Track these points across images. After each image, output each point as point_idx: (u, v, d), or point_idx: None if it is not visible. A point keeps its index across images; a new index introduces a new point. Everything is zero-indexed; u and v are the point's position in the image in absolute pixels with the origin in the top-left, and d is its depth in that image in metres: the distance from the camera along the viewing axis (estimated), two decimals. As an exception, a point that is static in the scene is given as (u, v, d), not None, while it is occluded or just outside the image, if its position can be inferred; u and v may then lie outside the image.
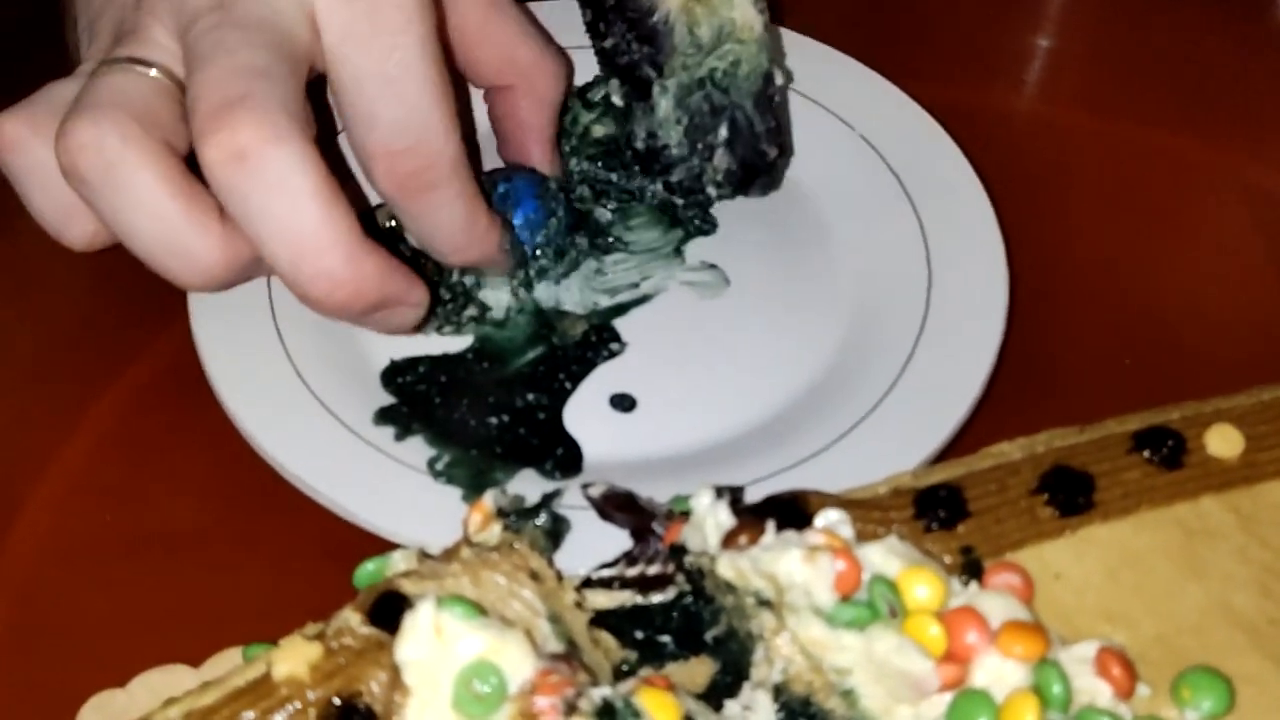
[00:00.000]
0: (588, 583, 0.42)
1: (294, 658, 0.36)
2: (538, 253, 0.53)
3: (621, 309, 0.53)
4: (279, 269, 0.43)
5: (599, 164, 0.55)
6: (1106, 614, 0.37)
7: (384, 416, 0.49)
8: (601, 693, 0.35)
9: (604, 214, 0.55)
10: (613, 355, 0.52)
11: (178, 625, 0.45)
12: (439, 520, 0.44)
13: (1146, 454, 0.40)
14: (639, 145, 0.52)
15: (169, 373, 0.52)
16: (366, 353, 0.51)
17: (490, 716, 0.35)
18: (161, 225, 0.43)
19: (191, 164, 0.44)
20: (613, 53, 0.51)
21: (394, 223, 0.52)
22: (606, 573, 0.42)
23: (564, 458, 0.49)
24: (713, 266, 0.55)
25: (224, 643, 0.44)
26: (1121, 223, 0.59)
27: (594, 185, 0.55)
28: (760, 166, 0.53)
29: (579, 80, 0.56)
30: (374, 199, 0.52)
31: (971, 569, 0.38)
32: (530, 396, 0.51)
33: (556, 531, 0.44)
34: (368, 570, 0.40)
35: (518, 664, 0.35)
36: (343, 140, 0.52)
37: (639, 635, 0.42)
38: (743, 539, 0.38)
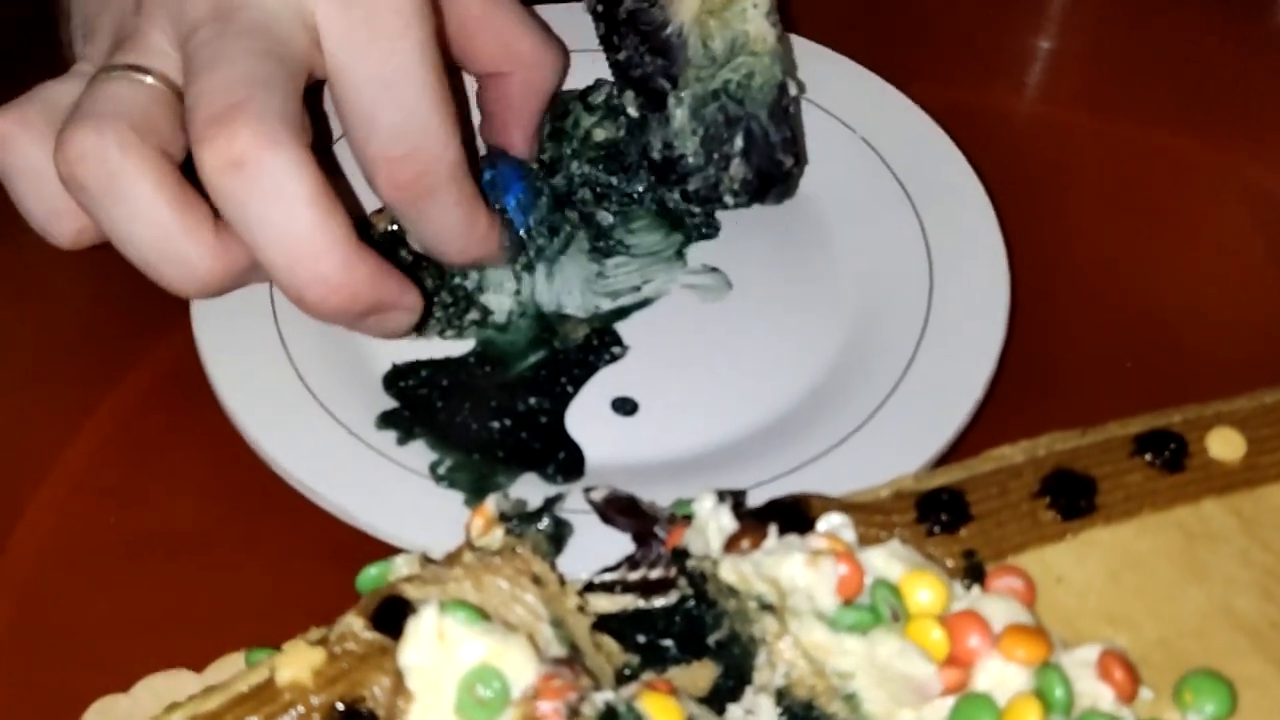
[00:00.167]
0: (590, 587, 0.42)
1: (297, 663, 0.36)
2: (532, 233, 0.53)
3: (623, 312, 0.53)
4: (275, 274, 0.43)
5: (600, 167, 0.55)
6: (1108, 617, 0.37)
7: (386, 420, 0.49)
8: (604, 697, 0.35)
9: (606, 217, 0.55)
10: (614, 359, 0.52)
11: (180, 629, 0.46)
12: (441, 524, 0.45)
13: (1148, 457, 0.40)
14: (655, 155, 0.53)
15: (171, 376, 0.52)
16: (369, 356, 0.51)
17: (493, 721, 0.35)
18: (158, 233, 0.44)
19: (188, 172, 0.44)
20: (626, 65, 0.52)
21: (394, 227, 0.52)
22: (609, 577, 0.42)
23: (566, 461, 0.49)
24: (714, 270, 0.55)
25: (227, 646, 0.44)
26: (1122, 224, 0.59)
27: (595, 189, 0.55)
28: (776, 176, 0.53)
29: (580, 83, 0.56)
30: (369, 205, 0.52)
31: (973, 572, 0.38)
32: (532, 400, 0.51)
33: (559, 536, 0.45)
34: (370, 575, 0.40)
35: (520, 669, 0.35)
36: (339, 147, 0.52)
37: (641, 639, 0.42)
38: (745, 543, 0.38)
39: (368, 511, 0.46)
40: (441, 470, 0.48)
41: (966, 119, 0.58)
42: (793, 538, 0.38)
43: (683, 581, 0.41)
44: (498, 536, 0.40)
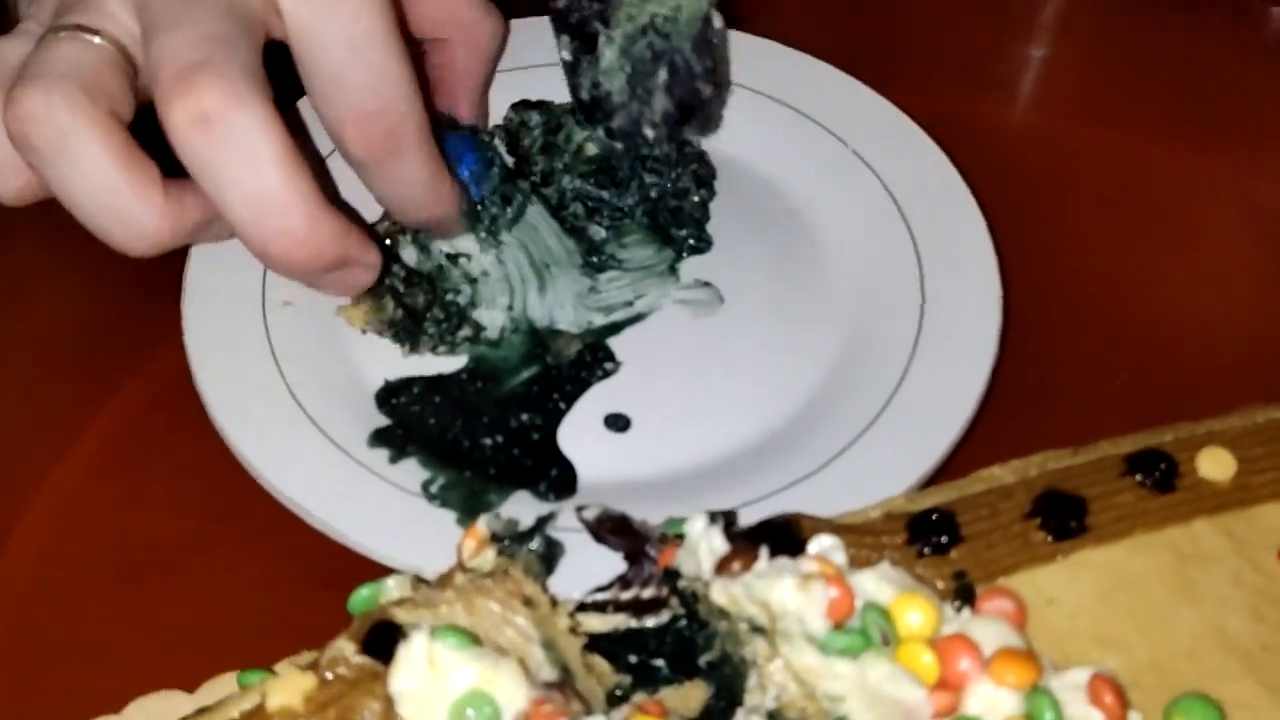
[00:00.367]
0: (582, 606, 0.42)
1: (288, 688, 0.36)
2: (486, 203, 0.53)
3: (616, 328, 0.53)
4: (240, 228, 0.44)
5: (592, 181, 0.55)
6: (1100, 639, 0.37)
7: (379, 438, 0.49)
8: (595, 721, 0.35)
9: (598, 232, 0.55)
10: (607, 375, 0.52)
11: (172, 649, 0.46)
12: (434, 543, 0.45)
13: (1139, 477, 0.40)
14: (584, 95, 0.54)
15: (162, 394, 0.52)
16: (361, 374, 0.51)
17: (484, 747, 0.35)
18: (107, 193, 0.44)
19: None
20: (565, 12, 0.53)
21: (388, 242, 0.52)
22: (601, 596, 0.42)
23: (558, 479, 0.49)
24: (707, 284, 0.55)
25: (219, 667, 0.44)
26: (1116, 235, 0.59)
27: (587, 203, 0.55)
28: (696, 105, 0.54)
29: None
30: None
31: (964, 594, 0.38)
32: (525, 417, 0.51)
33: (550, 556, 0.44)
34: (362, 596, 0.40)
35: (511, 694, 0.35)
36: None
37: (633, 659, 0.42)
38: (736, 565, 0.38)
39: (360, 531, 0.46)
40: (434, 489, 0.48)
41: (958, 130, 0.58)
42: (784, 560, 0.38)
43: (674, 601, 0.41)
44: (489, 557, 0.40)
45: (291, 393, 0.49)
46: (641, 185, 0.55)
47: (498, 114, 0.57)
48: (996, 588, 0.38)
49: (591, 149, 0.55)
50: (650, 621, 0.42)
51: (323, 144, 0.53)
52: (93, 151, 0.43)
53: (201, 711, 0.37)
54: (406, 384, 0.51)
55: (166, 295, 0.52)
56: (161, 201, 0.44)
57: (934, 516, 0.39)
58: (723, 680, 0.40)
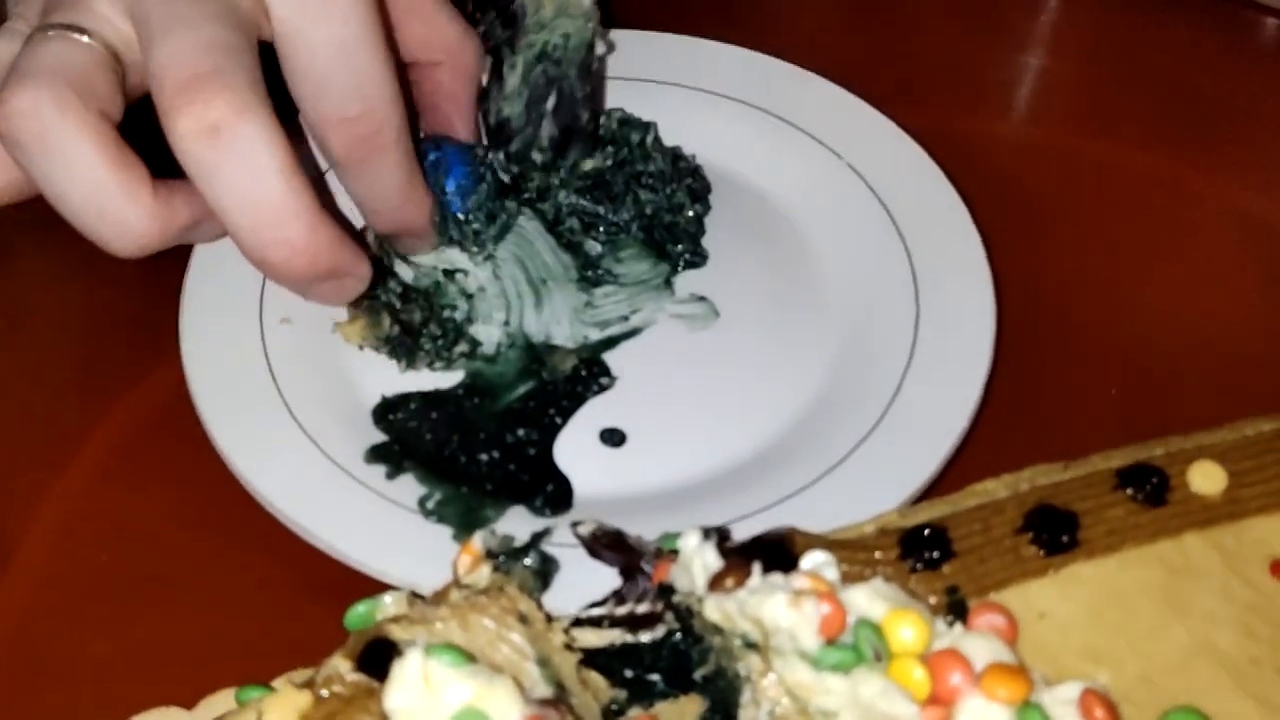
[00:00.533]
0: (578, 622, 0.42)
1: (284, 706, 0.36)
2: (470, 217, 0.53)
3: (611, 342, 0.54)
4: (239, 236, 0.44)
5: (588, 197, 0.55)
6: (1091, 653, 0.38)
7: (375, 454, 0.49)
8: (589, 737, 0.35)
9: (594, 246, 0.55)
10: (603, 389, 0.52)
11: (171, 665, 0.46)
12: (430, 559, 0.45)
13: (1130, 491, 0.40)
14: (490, 120, 0.55)
15: (160, 411, 0.52)
16: (358, 390, 0.51)
17: (479, 763, 0.35)
18: (96, 194, 0.44)
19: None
20: (484, 38, 0.54)
21: (385, 258, 0.53)
22: (596, 611, 0.42)
23: (554, 494, 0.49)
24: (702, 298, 0.55)
25: (217, 683, 0.44)
26: (1109, 249, 0.59)
27: (583, 218, 0.55)
28: (576, 130, 0.55)
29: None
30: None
31: (956, 609, 0.38)
32: (521, 432, 0.51)
33: (545, 571, 0.45)
34: (358, 613, 0.40)
35: (505, 711, 0.35)
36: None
37: (628, 674, 0.42)
38: (729, 582, 0.38)
39: (357, 547, 0.46)
40: (430, 504, 0.48)
41: (952, 143, 0.59)
42: (776, 576, 0.38)
43: (669, 616, 0.42)
44: (485, 574, 0.40)
45: (289, 409, 0.50)
46: (637, 200, 0.56)
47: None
48: (988, 603, 0.38)
49: (587, 164, 0.56)
50: (645, 636, 0.42)
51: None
52: (82, 151, 0.43)
53: (199, 728, 0.38)
54: (403, 400, 0.51)
55: (165, 311, 0.52)
56: (151, 202, 0.44)
57: (926, 532, 0.39)
58: (717, 695, 0.40)
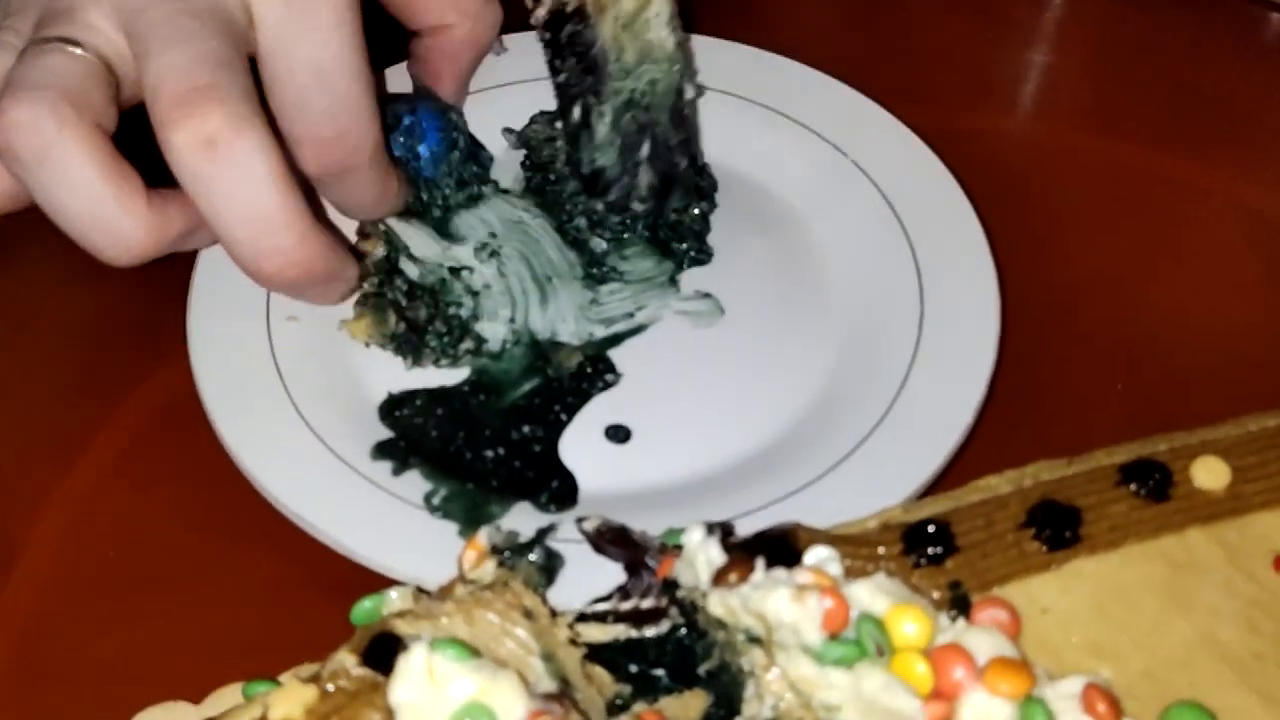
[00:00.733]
0: (582, 617, 0.42)
1: (290, 700, 0.36)
2: (440, 183, 0.54)
3: (617, 339, 0.54)
4: (234, 246, 0.45)
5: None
6: (1094, 648, 0.38)
7: (381, 451, 0.49)
8: (594, 731, 0.36)
9: (599, 244, 0.55)
10: (608, 386, 0.52)
11: (178, 661, 0.46)
12: (436, 555, 0.45)
13: (1133, 487, 0.40)
14: (585, 170, 0.54)
15: (168, 409, 0.53)
16: (364, 387, 0.52)
17: (483, 758, 0.35)
18: (92, 205, 0.44)
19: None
20: (566, 86, 0.53)
21: (392, 256, 0.53)
22: (600, 606, 0.43)
23: (559, 490, 0.49)
24: (707, 295, 0.55)
25: (224, 678, 0.45)
26: (1114, 244, 0.59)
27: (589, 216, 0.55)
28: (675, 178, 0.55)
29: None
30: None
31: (959, 604, 0.38)
32: (526, 429, 0.51)
33: (550, 567, 0.45)
34: (364, 608, 0.40)
35: (509, 705, 0.35)
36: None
37: (633, 669, 0.42)
38: (732, 576, 0.38)
39: (363, 543, 0.46)
40: (436, 500, 0.48)
41: (957, 140, 0.59)
42: (779, 571, 0.38)
43: (674, 611, 0.42)
44: (490, 569, 0.41)
45: (295, 406, 0.50)
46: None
47: (518, 124, 0.58)
48: (991, 598, 0.38)
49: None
50: (650, 631, 0.42)
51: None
52: (79, 165, 0.44)
53: (206, 723, 0.38)
54: (409, 397, 0.52)
55: (168, 313, 0.52)
56: (146, 213, 0.45)
57: (930, 527, 0.39)
58: (722, 689, 0.41)
